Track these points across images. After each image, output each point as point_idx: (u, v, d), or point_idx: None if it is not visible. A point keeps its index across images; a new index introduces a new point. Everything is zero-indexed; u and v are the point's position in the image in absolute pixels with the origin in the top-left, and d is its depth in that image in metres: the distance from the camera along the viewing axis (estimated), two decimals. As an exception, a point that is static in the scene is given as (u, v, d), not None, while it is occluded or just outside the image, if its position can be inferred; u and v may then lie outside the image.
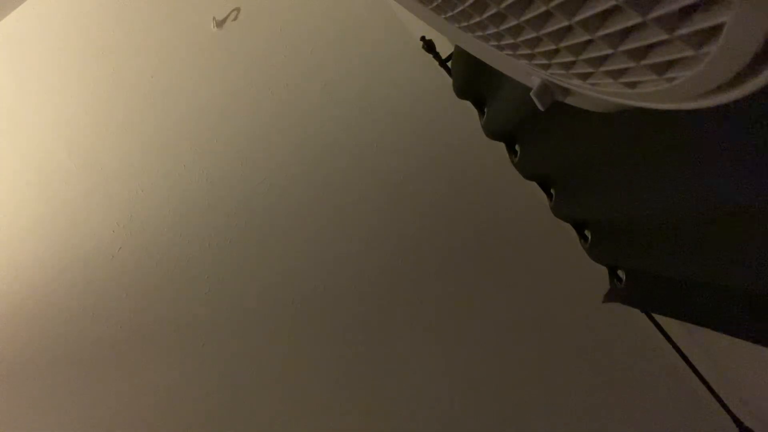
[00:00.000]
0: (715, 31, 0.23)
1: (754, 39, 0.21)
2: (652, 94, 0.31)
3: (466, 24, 0.42)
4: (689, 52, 0.25)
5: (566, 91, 0.43)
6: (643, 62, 0.28)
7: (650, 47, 0.27)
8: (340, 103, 1.76)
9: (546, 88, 0.44)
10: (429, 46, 1.32)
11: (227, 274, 1.70)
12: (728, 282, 0.69)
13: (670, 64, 0.27)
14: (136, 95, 1.84)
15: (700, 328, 0.87)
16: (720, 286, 0.75)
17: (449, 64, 1.32)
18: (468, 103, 1.30)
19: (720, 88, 0.26)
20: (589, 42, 0.30)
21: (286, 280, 1.68)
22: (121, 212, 1.77)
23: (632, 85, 0.32)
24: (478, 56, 0.54)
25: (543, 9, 0.30)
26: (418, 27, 1.45)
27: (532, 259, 1.59)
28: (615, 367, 1.48)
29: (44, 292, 1.75)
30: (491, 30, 0.39)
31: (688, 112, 0.31)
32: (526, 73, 0.46)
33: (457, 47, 1.10)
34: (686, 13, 0.23)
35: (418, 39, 1.34)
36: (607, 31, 0.28)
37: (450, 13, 0.42)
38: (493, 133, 1.24)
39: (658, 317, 1.25)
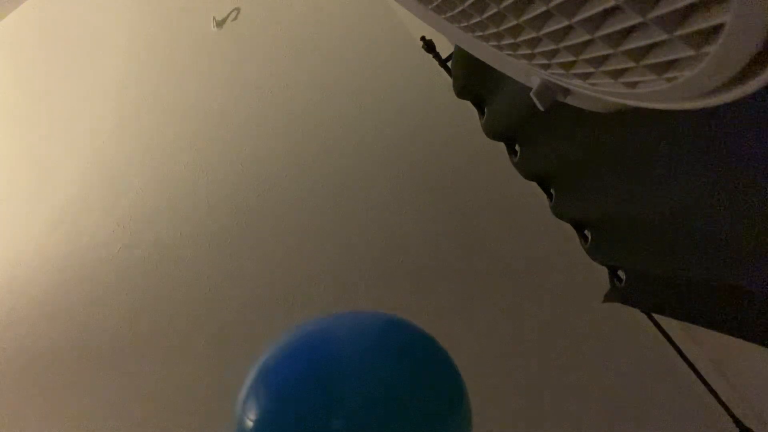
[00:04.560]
0: (715, 31, 0.23)
1: (754, 39, 0.21)
2: (653, 94, 0.31)
3: (466, 24, 0.42)
4: (689, 52, 0.25)
5: (566, 91, 0.43)
6: (643, 62, 0.28)
7: (650, 47, 0.27)
8: (340, 103, 1.76)
9: (546, 88, 0.44)
10: (429, 46, 1.32)
11: (227, 274, 1.70)
12: (728, 282, 0.69)
13: (670, 64, 0.27)
14: (135, 95, 1.84)
15: (700, 328, 0.87)
16: (720, 285, 0.75)
17: (449, 64, 1.32)
18: (468, 103, 1.30)
19: (720, 88, 0.26)
20: (589, 42, 0.31)
21: (286, 280, 1.68)
22: (121, 212, 1.77)
23: (632, 85, 0.32)
24: (478, 56, 0.54)
25: (543, 9, 0.30)
26: (418, 27, 1.45)
27: (532, 260, 1.59)
28: (615, 367, 1.48)
29: (44, 291, 1.74)
30: (491, 30, 0.39)
31: (688, 112, 0.31)
32: (526, 73, 0.46)
33: (457, 47, 1.10)
34: (686, 13, 0.23)
35: (418, 39, 1.34)
36: (607, 31, 0.28)
37: (450, 13, 0.42)
38: (493, 133, 1.24)
39: (658, 317, 1.25)
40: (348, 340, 0.43)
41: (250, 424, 0.41)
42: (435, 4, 0.42)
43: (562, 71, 0.38)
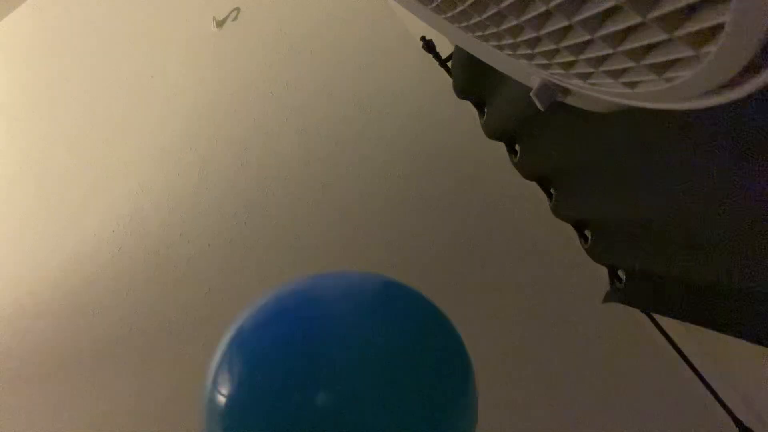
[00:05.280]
0: (715, 31, 0.22)
1: (754, 39, 0.21)
2: (653, 94, 0.31)
3: (466, 24, 0.42)
4: (689, 52, 0.25)
5: (566, 91, 0.43)
6: (643, 62, 0.28)
7: (650, 47, 0.27)
8: (340, 103, 1.76)
9: (546, 88, 0.44)
10: (429, 46, 1.32)
11: (227, 274, 1.70)
12: (728, 282, 0.69)
13: (670, 64, 0.27)
14: (135, 95, 1.84)
15: (699, 328, 0.87)
16: (720, 285, 0.75)
17: (449, 64, 1.32)
18: (468, 103, 1.30)
19: (720, 88, 0.26)
20: (589, 42, 0.30)
21: (287, 279, 1.68)
22: (121, 212, 1.77)
23: (632, 85, 0.32)
24: (478, 56, 0.54)
25: (543, 9, 0.30)
26: (418, 27, 1.45)
27: (532, 259, 1.59)
28: (615, 367, 1.48)
29: (44, 292, 1.74)
30: (491, 30, 0.39)
31: (688, 112, 0.31)
32: (526, 73, 0.46)
33: (457, 47, 1.10)
34: (686, 13, 0.23)
35: (418, 39, 1.34)
36: (607, 31, 0.28)
37: (450, 13, 0.42)
38: (493, 133, 1.24)
39: (658, 317, 1.25)
40: (336, 302, 0.36)
41: (222, 399, 0.35)
42: (435, 4, 0.42)
43: (562, 71, 0.38)
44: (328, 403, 0.32)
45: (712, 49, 0.23)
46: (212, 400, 0.36)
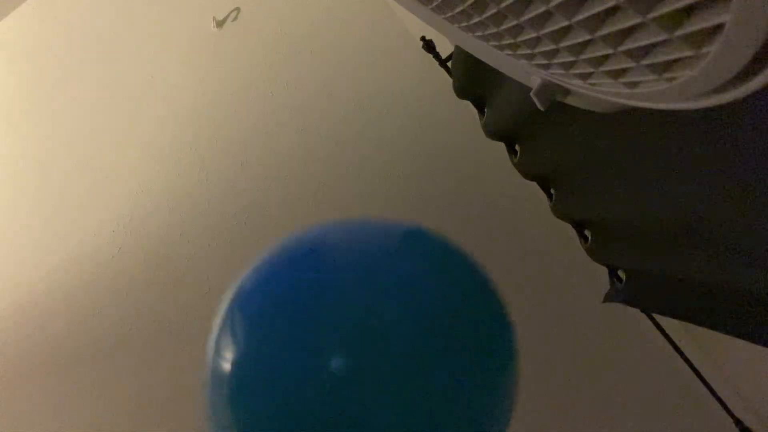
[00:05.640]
0: (715, 31, 0.23)
1: (754, 39, 0.21)
2: (653, 94, 0.31)
3: (466, 24, 0.42)
4: (689, 52, 0.25)
5: (566, 91, 0.43)
6: (643, 62, 0.28)
7: (650, 47, 0.27)
8: (340, 103, 1.76)
9: (546, 88, 0.44)
10: (429, 46, 1.32)
11: (227, 274, 1.70)
12: (728, 282, 0.69)
13: (670, 64, 0.27)
14: (135, 95, 1.84)
15: (700, 328, 0.87)
16: (720, 285, 0.75)
17: (449, 64, 1.32)
18: (468, 103, 1.30)
19: (720, 88, 0.26)
20: (589, 42, 0.31)
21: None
22: (121, 212, 1.77)
23: (632, 85, 0.32)
24: (478, 56, 0.54)
25: (543, 9, 0.30)
26: (418, 27, 1.45)
27: (532, 260, 1.59)
28: (615, 367, 1.48)
29: (44, 292, 1.74)
30: (491, 30, 0.39)
31: (688, 112, 0.31)
32: (526, 73, 0.46)
33: (457, 47, 1.10)
34: (686, 13, 0.23)
35: (418, 39, 1.34)
36: (607, 31, 0.28)
37: (450, 13, 0.42)
38: (493, 133, 1.24)
39: (658, 317, 1.25)
40: (352, 251, 0.30)
41: (226, 366, 0.31)
42: (435, 4, 0.42)
43: (562, 71, 0.38)
44: (331, 374, 0.28)
45: (712, 49, 0.23)
46: (215, 368, 0.33)
